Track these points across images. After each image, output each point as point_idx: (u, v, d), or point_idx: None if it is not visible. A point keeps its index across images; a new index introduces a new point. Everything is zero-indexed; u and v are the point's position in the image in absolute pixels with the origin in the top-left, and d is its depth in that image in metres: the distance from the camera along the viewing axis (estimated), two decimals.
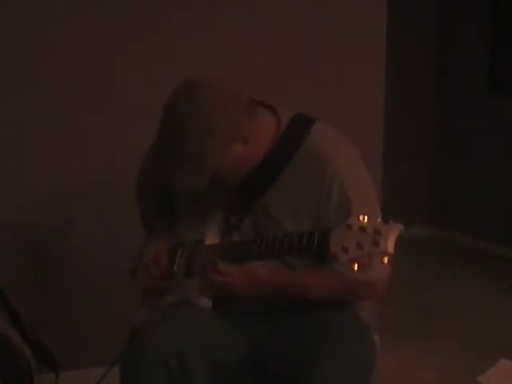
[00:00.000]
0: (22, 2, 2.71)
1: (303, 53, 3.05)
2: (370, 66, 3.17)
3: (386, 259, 1.48)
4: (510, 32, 5.11)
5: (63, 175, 2.84)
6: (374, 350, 1.88)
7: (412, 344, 3.52)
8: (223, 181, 1.84)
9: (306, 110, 1.96)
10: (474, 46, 5.44)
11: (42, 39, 2.74)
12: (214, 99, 1.77)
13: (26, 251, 2.84)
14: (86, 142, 2.85)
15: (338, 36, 3.10)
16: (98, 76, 2.82)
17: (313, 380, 1.69)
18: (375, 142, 3.20)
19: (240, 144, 1.80)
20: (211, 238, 1.93)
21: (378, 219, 1.51)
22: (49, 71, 2.77)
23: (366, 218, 1.52)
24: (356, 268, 1.51)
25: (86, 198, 2.87)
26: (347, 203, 1.79)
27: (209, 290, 1.87)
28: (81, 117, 2.83)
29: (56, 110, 2.80)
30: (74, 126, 2.83)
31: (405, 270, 4.61)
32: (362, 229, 1.50)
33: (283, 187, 1.87)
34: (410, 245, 5.43)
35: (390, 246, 1.47)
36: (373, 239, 1.48)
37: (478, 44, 5.39)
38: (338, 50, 3.11)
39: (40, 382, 2.56)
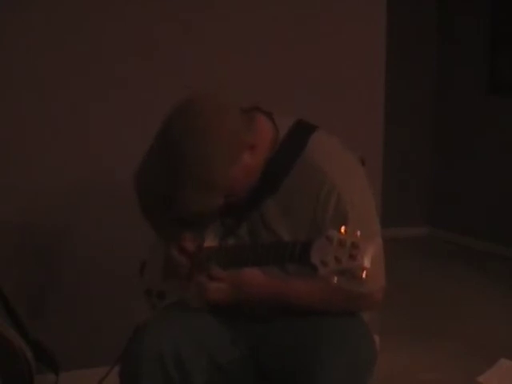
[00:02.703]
0: (23, 2, 2.71)
1: (303, 53, 3.05)
2: (370, 67, 3.17)
3: (364, 274, 1.49)
4: (510, 32, 5.11)
5: (64, 176, 2.84)
6: (373, 350, 1.88)
7: (412, 344, 3.52)
8: (237, 194, 1.82)
9: (305, 110, 1.97)
10: (474, 46, 5.45)
11: (42, 39, 2.74)
12: (208, 118, 1.73)
13: (26, 251, 2.83)
14: (86, 143, 2.84)
15: (337, 36, 3.10)
16: (98, 77, 2.82)
17: (312, 380, 1.69)
18: (375, 142, 3.21)
19: (247, 152, 1.78)
20: (210, 241, 1.93)
21: (358, 232, 1.52)
22: (49, 72, 2.77)
23: (346, 230, 1.53)
24: (336, 281, 1.52)
25: (87, 198, 2.87)
26: (344, 218, 1.77)
27: (201, 295, 1.86)
28: (82, 118, 2.83)
29: (57, 111, 2.80)
30: (75, 127, 2.83)
31: (404, 269, 4.61)
32: (341, 242, 1.51)
33: (280, 198, 1.86)
34: (409, 245, 5.44)
35: (367, 261, 1.48)
36: (350, 253, 1.49)
37: (478, 44, 5.39)
38: (337, 50, 3.11)
39: (40, 381, 2.56)
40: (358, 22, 3.12)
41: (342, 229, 1.53)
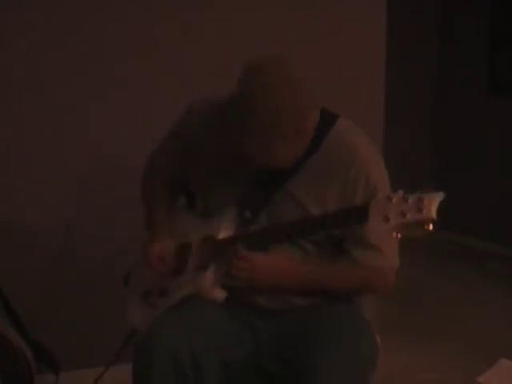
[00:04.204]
0: (23, 2, 2.71)
1: (303, 53, 3.05)
2: (370, 67, 3.17)
3: (430, 225, 1.55)
4: (510, 32, 5.11)
5: (64, 176, 2.84)
6: (375, 350, 1.89)
7: (412, 344, 3.52)
8: (292, 156, 1.82)
9: None
10: (474, 46, 5.44)
11: (42, 39, 2.74)
12: (290, 71, 1.82)
13: (26, 251, 2.84)
14: (86, 143, 2.85)
15: (337, 36, 3.10)
16: (98, 77, 2.82)
17: (315, 379, 1.70)
18: (375, 142, 3.18)
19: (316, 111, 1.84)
20: (225, 233, 1.93)
21: (418, 191, 1.57)
22: (49, 72, 2.77)
23: (403, 192, 1.58)
24: (396, 236, 1.57)
25: (87, 197, 2.87)
26: (373, 190, 1.83)
27: (228, 277, 1.87)
28: (82, 118, 2.83)
29: (57, 111, 2.80)
30: (75, 127, 2.83)
31: (405, 270, 4.60)
32: (404, 198, 1.56)
33: (309, 175, 1.88)
34: (409, 245, 5.44)
35: (433, 211, 1.54)
36: (417, 206, 1.54)
37: (478, 44, 5.39)
38: (337, 50, 3.11)
39: (40, 381, 2.56)
40: (358, 22, 3.12)
41: (400, 191, 1.59)
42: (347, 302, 1.96)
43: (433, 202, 1.54)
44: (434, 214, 1.54)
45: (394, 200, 1.57)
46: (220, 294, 1.90)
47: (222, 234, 1.93)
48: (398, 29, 4.68)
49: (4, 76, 2.72)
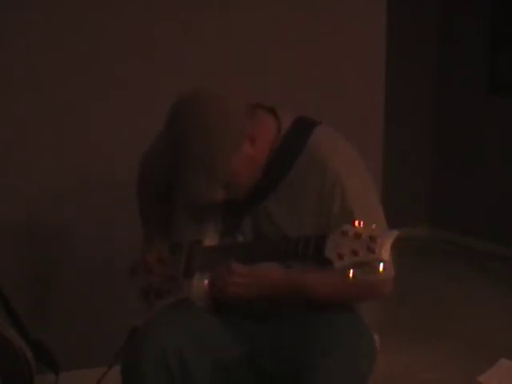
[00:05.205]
0: (23, 2, 2.71)
1: (303, 53, 3.05)
2: (370, 67, 3.17)
3: (381, 266, 1.49)
4: (510, 32, 5.11)
5: (64, 176, 2.84)
6: (373, 350, 1.89)
7: (412, 344, 3.52)
8: (238, 186, 1.84)
9: (305, 110, 1.97)
10: (474, 46, 5.45)
11: (42, 39, 2.74)
12: (211, 109, 1.79)
13: (26, 251, 2.84)
14: (86, 143, 2.85)
15: (337, 36, 3.10)
16: (98, 77, 2.82)
17: (312, 379, 1.70)
18: (375, 142, 3.20)
19: (248, 143, 1.81)
20: (210, 239, 1.93)
21: (374, 225, 1.53)
22: (49, 72, 2.77)
23: (361, 223, 1.53)
24: (351, 275, 1.53)
25: (87, 197, 2.87)
26: (350, 213, 1.77)
27: (218, 291, 1.86)
28: (82, 118, 2.83)
29: (57, 111, 2.80)
30: (75, 127, 2.83)
31: (404, 270, 4.60)
32: (357, 235, 1.52)
33: (284, 192, 1.87)
34: (409, 245, 5.44)
35: (385, 253, 1.49)
36: (367, 246, 1.50)
37: (478, 44, 5.39)
38: (337, 50, 3.11)
39: (40, 382, 2.56)
40: (358, 22, 3.12)
41: (356, 222, 1.54)
42: None
43: (385, 242, 1.49)
44: (385, 255, 1.49)
45: (349, 235, 1.53)
46: (204, 306, 1.89)
47: (208, 242, 1.93)
48: (398, 29, 4.68)
49: (4, 76, 2.72)
